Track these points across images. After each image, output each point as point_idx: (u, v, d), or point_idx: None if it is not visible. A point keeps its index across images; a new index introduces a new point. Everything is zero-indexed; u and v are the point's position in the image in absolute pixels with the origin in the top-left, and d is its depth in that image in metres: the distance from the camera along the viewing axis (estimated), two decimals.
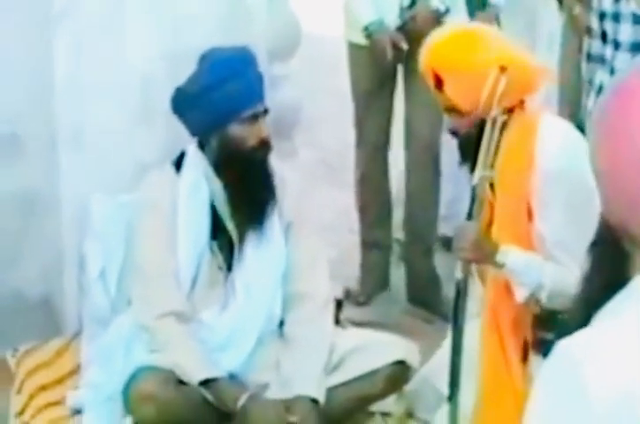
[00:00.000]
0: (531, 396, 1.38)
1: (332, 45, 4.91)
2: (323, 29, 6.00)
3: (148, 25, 3.46)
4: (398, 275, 4.31)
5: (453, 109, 2.67)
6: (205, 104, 2.97)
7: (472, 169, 2.64)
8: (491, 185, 2.63)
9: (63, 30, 3.38)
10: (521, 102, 2.67)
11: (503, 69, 2.51)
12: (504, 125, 2.58)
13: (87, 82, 3.41)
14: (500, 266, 2.56)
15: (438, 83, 2.65)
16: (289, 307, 3.05)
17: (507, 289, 2.62)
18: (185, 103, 3.03)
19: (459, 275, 2.58)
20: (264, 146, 3.02)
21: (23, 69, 3.49)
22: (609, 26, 3.63)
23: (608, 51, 3.61)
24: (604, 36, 3.68)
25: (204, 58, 3.06)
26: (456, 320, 2.59)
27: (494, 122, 2.52)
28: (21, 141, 3.51)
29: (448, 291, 3.91)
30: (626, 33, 3.61)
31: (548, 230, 2.59)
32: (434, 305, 4.12)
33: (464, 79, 2.61)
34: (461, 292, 2.58)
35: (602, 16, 3.66)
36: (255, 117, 3.00)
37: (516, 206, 2.63)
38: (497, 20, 4.37)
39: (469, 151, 2.68)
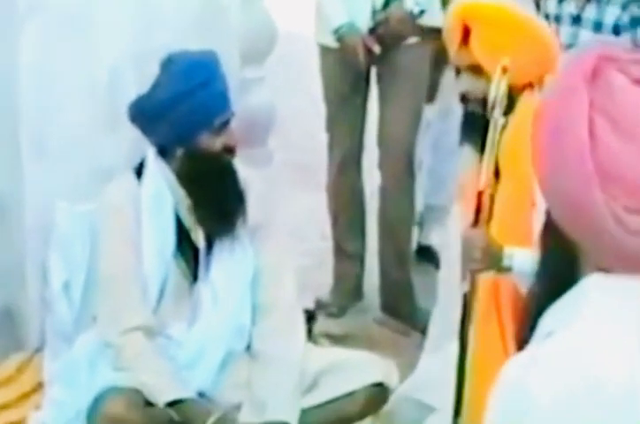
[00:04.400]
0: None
1: (304, 43, 4.82)
2: (294, 27, 5.90)
3: (118, 23, 3.32)
4: (371, 283, 4.21)
5: (472, 68, 2.66)
6: (174, 115, 2.83)
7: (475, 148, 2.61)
8: (495, 173, 2.53)
9: (28, 29, 3.22)
10: (531, 84, 2.63)
11: (504, 70, 2.43)
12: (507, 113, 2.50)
13: (52, 87, 3.28)
14: (507, 270, 2.46)
15: (465, 37, 2.66)
16: (255, 319, 2.94)
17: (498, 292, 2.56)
18: (150, 113, 2.89)
19: (465, 287, 2.46)
20: (230, 152, 2.92)
21: None
22: (552, 28, 3.62)
23: None
24: None
25: (170, 64, 2.92)
26: (462, 335, 2.47)
27: (495, 124, 2.44)
28: None
29: (423, 303, 3.86)
30: (564, 34, 3.62)
31: None
32: (409, 316, 4.02)
33: (494, 30, 2.61)
34: (469, 306, 2.46)
35: (546, 17, 3.65)
36: (224, 125, 2.89)
37: (521, 193, 2.55)
38: None
39: (471, 127, 2.67)
